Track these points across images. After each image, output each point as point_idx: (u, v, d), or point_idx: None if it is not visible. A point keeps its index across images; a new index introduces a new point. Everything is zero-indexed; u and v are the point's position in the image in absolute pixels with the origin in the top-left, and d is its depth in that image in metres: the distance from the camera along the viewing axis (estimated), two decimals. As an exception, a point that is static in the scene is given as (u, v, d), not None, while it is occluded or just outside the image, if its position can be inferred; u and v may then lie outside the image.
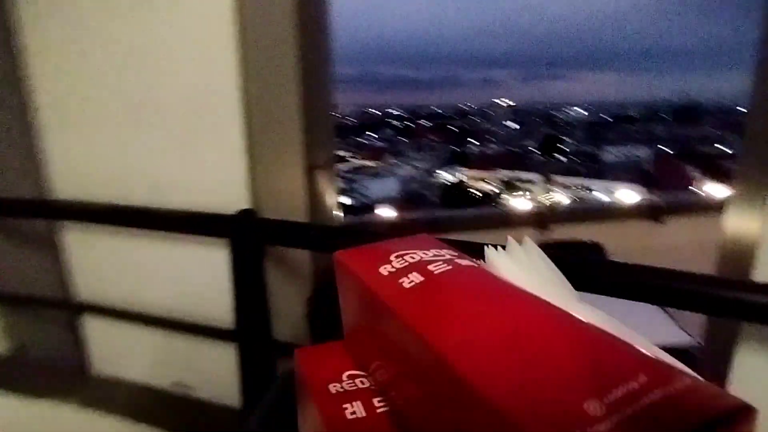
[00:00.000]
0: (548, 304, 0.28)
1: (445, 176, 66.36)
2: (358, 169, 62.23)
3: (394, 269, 0.35)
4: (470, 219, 2.80)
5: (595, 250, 2.82)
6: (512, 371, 0.22)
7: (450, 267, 0.34)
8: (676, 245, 3.37)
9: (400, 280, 0.33)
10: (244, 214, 1.56)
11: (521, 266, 0.36)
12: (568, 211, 3.01)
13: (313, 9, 1.45)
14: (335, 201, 1.62)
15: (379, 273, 0.34)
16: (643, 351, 0.23)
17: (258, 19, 1.38)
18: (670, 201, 3.27)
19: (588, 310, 0.28)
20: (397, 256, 0.36)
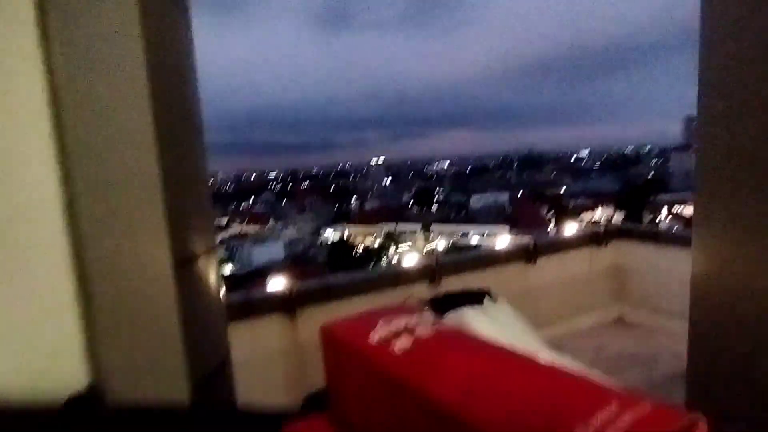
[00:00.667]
0: (523, 353, 0.32)
1: (330, 235, 66.75)
2: (240, 236, 59.82)
3: (383, 336, 0.37)
4: (363, 281, 2.80)
5: (486, 295, 2.98)
6: (510, 410, 0.26)
7: (435, 329, 0.37)
8: (547, 284, 3.68)
9: (391, 346, 0.35)
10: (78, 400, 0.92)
11: (496, 323, 0.40)
12: (453, 262, 3.20)
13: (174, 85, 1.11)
14: (221, 288, 1.34)
15: (369, 341, 0.36)
16: (606, 384, 0.27)
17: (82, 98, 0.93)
18: (539, 242, 3.62)
19: (554, 354, 0.33)
20: (383, 324, 0.38)
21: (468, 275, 3.21)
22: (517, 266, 3.49)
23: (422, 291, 3.05)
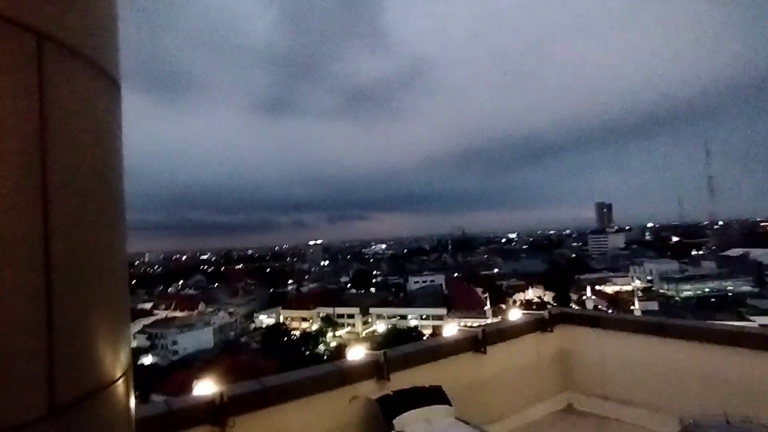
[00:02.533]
0: None
1: (265, 320, 63.23)
2: (166, 321, 54.90)
3: None
4: (306, 381, 2.49)
5: (437, 394, 2.76)
6: None
7: None
8: (497, 373, 3.55)
9: None
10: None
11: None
12: (402, 355, 2.99)
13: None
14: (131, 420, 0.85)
15: None
16: None
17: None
18: (488, 329, 3.54)
19: None
20: None
21: (418, 369, 3.01)
22: (467, 357, 3.34)
23: (370, 389, 2.79)
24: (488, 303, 59.72)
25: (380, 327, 60.70)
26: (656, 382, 3.39)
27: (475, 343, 3.38)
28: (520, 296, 66.83)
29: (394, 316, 62.48)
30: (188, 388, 2.53)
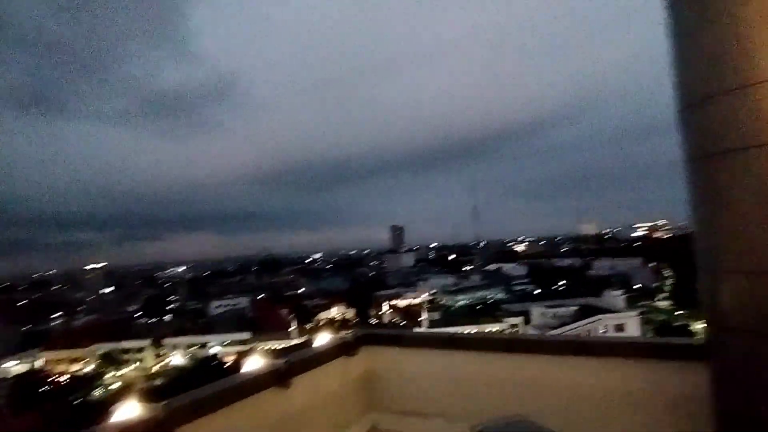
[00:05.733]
0: None
1: (13, 367, 50.08)
2: None
3: None
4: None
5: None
6: None
7: None
8: (303, 407, 3.34)
9: None
10: None
11: None
12: (191, 404, 2.53)
13: None
14: None
15: None
16: None
17: None
18: (292, 359, 3.30)
19: None
20: None
21: (212, 417, 2.57)
22: (269, 393, 3.03)
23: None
24: (295, 323, 59.43)
25: (176, 359, 54.42)
26: (450, 393, 3.64)
27: (278, 376, 3.10)
28: (324, 315, 68.41)
29: (193, 345, 56.86)
30: None
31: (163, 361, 56.30)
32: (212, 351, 52.98)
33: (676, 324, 50.32)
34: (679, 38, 2.45)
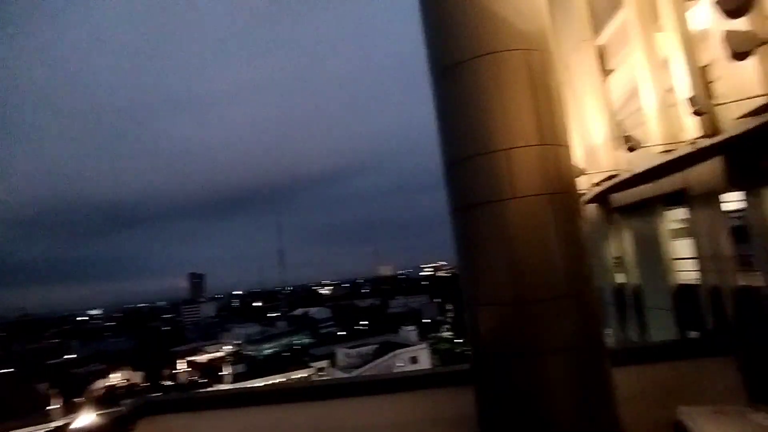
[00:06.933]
0: None
1: None
2: None
3: None
4: None
5: None
6: None
7: None
8: None
9: None
10: None
11: None
12: None
13: None
14: None
15: None
16: None
17: None
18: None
19: None
20: None
21: None
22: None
23: None
24: (59, 400, 48.02)
25: None
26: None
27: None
28: (102, 383, 57.35)
29: None
30: None
31: None
32: None
33: (457, 351, 58.01)
34: (441, 111, 3.01)
